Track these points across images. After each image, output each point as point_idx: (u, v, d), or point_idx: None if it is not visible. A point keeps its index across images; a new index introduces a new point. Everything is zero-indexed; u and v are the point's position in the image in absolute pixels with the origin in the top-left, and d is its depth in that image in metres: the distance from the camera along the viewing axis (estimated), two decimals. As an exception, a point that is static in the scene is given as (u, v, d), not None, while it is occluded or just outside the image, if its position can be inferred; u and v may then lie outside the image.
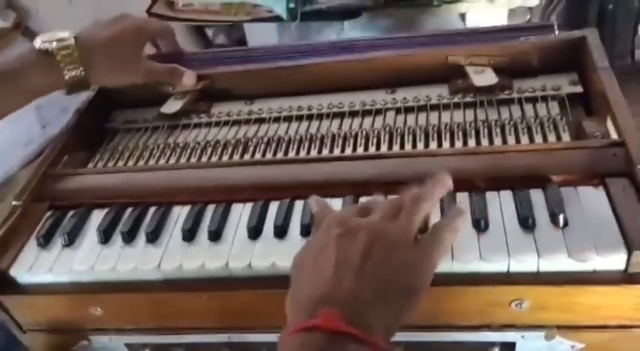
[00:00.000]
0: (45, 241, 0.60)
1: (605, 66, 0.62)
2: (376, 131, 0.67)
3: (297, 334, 0.39)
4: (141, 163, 0.71)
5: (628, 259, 0.48)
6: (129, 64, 0.71)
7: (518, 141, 0.62)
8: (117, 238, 0.60)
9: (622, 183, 0.53)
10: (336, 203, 0.58)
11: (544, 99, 0.67)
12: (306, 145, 0.68)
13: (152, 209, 0.62)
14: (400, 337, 0.57)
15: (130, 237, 0.59)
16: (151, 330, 0.61)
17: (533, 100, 0.67)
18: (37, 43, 0.65)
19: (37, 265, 0.59)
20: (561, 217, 0.51)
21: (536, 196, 0.54)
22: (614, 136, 0.58)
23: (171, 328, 0.61)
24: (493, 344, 0.56)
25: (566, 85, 0.67)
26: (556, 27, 0.68)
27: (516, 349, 0.56)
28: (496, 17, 1.09)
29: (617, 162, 0.54)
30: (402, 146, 0.65)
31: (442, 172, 0.50)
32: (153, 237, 0.59)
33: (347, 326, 0.38)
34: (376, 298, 0.41)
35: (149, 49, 0.78)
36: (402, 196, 0.48)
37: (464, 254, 0.51)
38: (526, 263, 0.50)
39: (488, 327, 0.54)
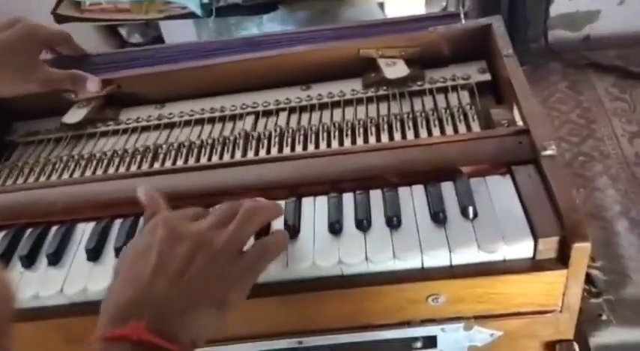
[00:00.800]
0: None
1: (510, 53, 0.63)
2: (291, 130, 0.66)
3: (107, 342, 0.39)
4: (42, 178, 0.66)
5: (535, 247, 0.48)
6: (22, 73, 0.66)
7: (430, 133, 0.62)
8: (16, 263, 0.56)
9: (527, 170, 0.53)
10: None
11: (455, 89, 0.67)
12: (219, 149, 0.66)
13: (54, 228, 0.58)
14: (323, 340, 0.56)
15: (29, 261, 0.55)
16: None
17: (445, 91, 0.67)
18: None
19: None
20: (470, 210, 0.51)
21: (447, 188, 0.54)
22: (520, 123, 0.58)
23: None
24: (415, 339, 0.56)
25: (475, 73, 0.68)
26: (462, 15, 0.68)
27: (438, 341, 0.56)
28: (414, 6, 1.10)
29: (522, 149, 0.55)
30: (316, 145, 0.64)
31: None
32: (54, 259, 0.55)
33: (153, 336, 0.38)
34: (186, 308, 0.41)
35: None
36: (238, 205, 0.47)
37: (378, 254, 0.51)
38: (439, 258, 0.50)
39: (409, 323, 0.54)
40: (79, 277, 0.54)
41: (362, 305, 0.53)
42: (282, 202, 0.56)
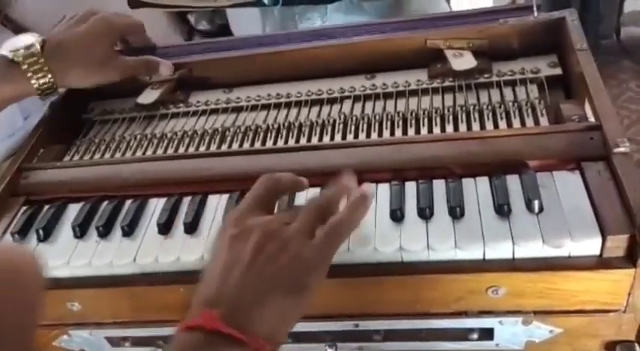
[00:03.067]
0: (20, 237, 0.60)
1: (584, 48, 0.61)
2: (354, 118, 0.67)
3: (183, 333, 0.40)
4: (117, 155, 0.70)
5: (603, 244, 0.48)
6: (101, 65, 0.70)
7: (496, 126, 0.61)
8: (93, 233, 0.59)
9: (598, 167, 0.52)
10: (313, 192, 0.57)
11: (523, 82, 0.66)
12: (284, 133, 0.67)
13: (128, 202, 0.62)
14: (380, 325, 0.57)
15: (105, 231, 0.59)
16: (131, 323, 0.61)
17: (512, 84, 0.66)
18: (3, 51, 0.64)
19: (12, 262, 0.58)
20: (536, 203, 0.50)
21: (513, 182, 0.54)
22: (592, 119, 0.57)
23: (150, 321, 0.61)
24: (471, 330, 0.56)
25: (545, 67, 0.66)
26: (535, 8, 0.67)
27: (494, 334, 0.56)
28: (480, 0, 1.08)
29: (593, 146, 0.54)
30: (380, 134, 0.64)
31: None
32: (129, 231, 0.58)
33: (225, 327, 0.38)
34: (261, 297, 0.40)
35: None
36: (310, 202, 0.47)
37: (440, 242, 0.51)
38: (501, 250, 0.50)
39: (466, 314, 0.54)
40: (151, 248, 0.56)
41: (420, 293, 0.53)
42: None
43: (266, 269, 0.41)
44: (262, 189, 0.48)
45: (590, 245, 0.48)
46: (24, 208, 0.63)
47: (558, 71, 0.66)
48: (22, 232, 0.60)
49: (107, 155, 0.70)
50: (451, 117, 0.64)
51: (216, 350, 0.39)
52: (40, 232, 0.59)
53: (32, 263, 0.33)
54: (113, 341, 0.64)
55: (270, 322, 0.40)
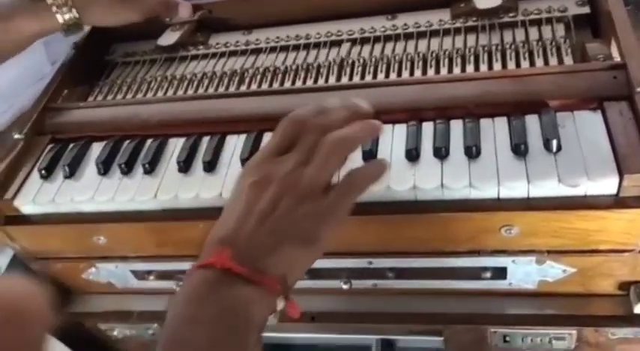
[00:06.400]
0: (47, 173, 0.62)
1: (613, -16, 0.59)
2: (374, 59, 0.66)
3: (196, 270, 0.40)
4: (139, 96, 0.71)
5: (620, 184, 0.47)
6: (123, 2, 0.70)
7: (518, 66, 0.60)
8: (116, 170, 0.61)
9: (620, 107, 0.51)
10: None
11: (549, 21, 0.64)
12: (302, 75, 0.67)
13: (149, 141, 0.63)
14: (393, 263, 0.58)
15: (127, 168, 0.60)
16: (154, 257, 0.63)
17: (539, 23, 0.64)
18: None
19: (40, 197, 0.60)
20: (554, 143, 0.50)
21: (532, 122, 0.53)
22: (617, 58, 0.55)
23: (172, 256, 0.63)
24: (485, 269, 0.57)
25: (573, 5, 0.64)
26: (565, -57, 0.64)
27: (507, 273, 0.56)
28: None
29: (617, 85, 0.52)
30: (399, 75, 0.64)
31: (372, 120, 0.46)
32: (150, 168, 0.60)
33: (238, 267, 0.39)
34: (274, 244, 0.41)
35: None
36: (325, 139, 0.44)
37: (454, 181, 0.51)
38: (516, 189, 0.50)
39: (479, 253, 0.55)
40: (171, 185, 0.58)
41: (434, 231, 0.54)
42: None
43: (281, 220, 0.42)
44: (279, 136, 0.47)
45: (607, 184, 0.47)
46: (50, 146, 0.65)
47: (586, 10, 0.63)
48: (49, 169, 0.62)
49: (129, 96, 0.71)
50: (472, 57, 0.62)
51: (227, 289, 0.39)
52: (66, 168, 0.61)
53: (36, 301, 0.30)
54: (138, 274, 0.66)
55: (281, 266, 0.41)
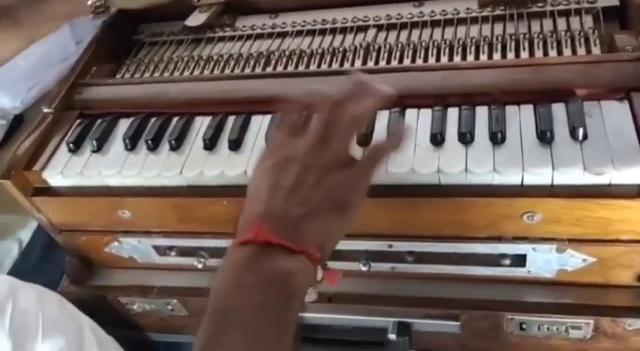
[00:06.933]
0: (75, 147, 0.63)
1: (645, -24, 0.59)
2: (400, 45, 0.66)
3: (235, 248, 0.41)
4: (166, 74, 0.72)
5: (645, 174, 0.47)
6: None
7: (545, 55, 0.60)
8: (142, 146, 0.62)
9: (647, 97, 0.51)
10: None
11: (578, 12, 0.64)
12: (328, 58, 0.67)
13: (175, 119, 0.64)
14: (414, 247, 0.59)
15: (154, 145, 0.61)
16: (176, 233, 0.64)
17: (567, 14, 0.64)
18: None
19: (68, 169, 0.61)
20: (580, 131, 0.50)
21: (559, 110, 0.53)
22: (646, 50, 0.55)
23: (195, 233, 0.64)
24: (504, 256, 0.57)
25: (602, -4, 0.64)
26: None
27: (527, 261, 0.56)
28: None
29: (645, 76, 0.52)
30: (425, 61, 0.64)
31: (379, 85, 0.47)
32: (176, 145, 0.61)
33: (276, 238, 0.40)
34: (307, 214, 0.41)
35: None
36: (336, 113, 0.45)
37: (478, 167, 0.51)
38: (540, 176, 0.50)
39: (499, 239, 0.55)
40: (197, 162, 0.59)
41: (456, 216, 0.54)
42: (385, 112, 0.57)
43: (312, 191, 0.42)
44: (289, 117, 0.48)
45: (632, 174, 0.48)
46: (78, 121, 0.66)
47: (616, 1, 0.63)
48: (77, 143, 0.63)
49: (156, 75, 0.72)
50: (499, 46, 0.63)
51: (269, 260, 0.40)
52: (94, 143, 0.62)
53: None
54: (160, 250, 0.68)
55: (318, 235, 0.42)
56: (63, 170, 0.61)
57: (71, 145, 0.63)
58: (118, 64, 0.75)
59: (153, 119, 0.65)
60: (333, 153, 0.44)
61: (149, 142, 0.61)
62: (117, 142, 0.63)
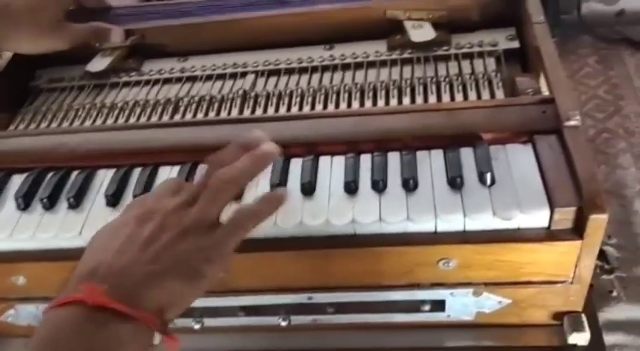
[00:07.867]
0: (-40, 209, 0.57)
1: (541, 20, 0.61)
2: (312, 90, 0.66)
3: (58, 309, 0.37)
4: (65, 124, 0.67)
5: (551, 217, 0.48)
6: (49, 31, 0.68)
7: (453, 99, 0.61)
8: (37, 205, 0.57)
9: (549, 140, 0.52)
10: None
11: (481, 55, 0.66)
12: (239, 104, 0.66)
13: (75, 173, 0.59)
14: (333, 297, 0.57)
15: (50, 203, 0.57)
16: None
17: (471, 56, 0.66)
18: None
19: (-48, 234, 0.55)
20: (488, 176, 0.51)
21: (467, 154, 0.54)
22: (546, 92, 0.57)
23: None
24: (424, 302, 0.56)
25: (503, 40, 0.66)
26: (494, -19, 0.67)
27: (446, 305, 0.56)
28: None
29: (546, 119, 0.54)
30: (337, 106, 0.64)
31: (264, 145, 0.46)
32: (75, 203, 0.56)
33: (111, 301, 0.37)
34: (152, 279, 0.39)
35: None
36: (211, 178, 0.44)
37: (392, 215, 0.51)
38: (453, 223, 0.50)
39: (418, 286, 0.54)
40: (98, 221, 0.54)
41: (373, 265, 0.53)
42: (298, 160, 0.56)
43: (162, 252, 0.40)
44: (168, 183, 0.47)
45: (538, 217, 0.48)
46: (-35, 179, 0.61)
47: (516, 44, 0.66)
48: (-37, 204, 0.58)
49: (54, 125, 0.67)
50: (408, 89, 0.63)
51: (98, 328, 0.36)
52: (-19, 203, 0.57)
53: None
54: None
55: (159, 301, 0.39)
56: (-55, 235, 0.55)
57: (-45, 208, 0.57)
58: (12, 114, 0.70)
59: (50, 174, 0.60)
60: (195, 216, 0.42)
61: (44, 200, 0.56)
62: (8, 201, 0.58)
